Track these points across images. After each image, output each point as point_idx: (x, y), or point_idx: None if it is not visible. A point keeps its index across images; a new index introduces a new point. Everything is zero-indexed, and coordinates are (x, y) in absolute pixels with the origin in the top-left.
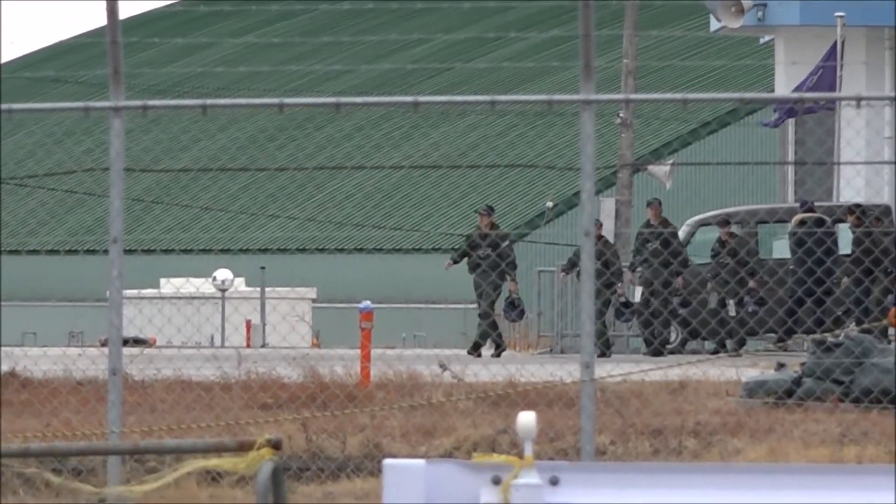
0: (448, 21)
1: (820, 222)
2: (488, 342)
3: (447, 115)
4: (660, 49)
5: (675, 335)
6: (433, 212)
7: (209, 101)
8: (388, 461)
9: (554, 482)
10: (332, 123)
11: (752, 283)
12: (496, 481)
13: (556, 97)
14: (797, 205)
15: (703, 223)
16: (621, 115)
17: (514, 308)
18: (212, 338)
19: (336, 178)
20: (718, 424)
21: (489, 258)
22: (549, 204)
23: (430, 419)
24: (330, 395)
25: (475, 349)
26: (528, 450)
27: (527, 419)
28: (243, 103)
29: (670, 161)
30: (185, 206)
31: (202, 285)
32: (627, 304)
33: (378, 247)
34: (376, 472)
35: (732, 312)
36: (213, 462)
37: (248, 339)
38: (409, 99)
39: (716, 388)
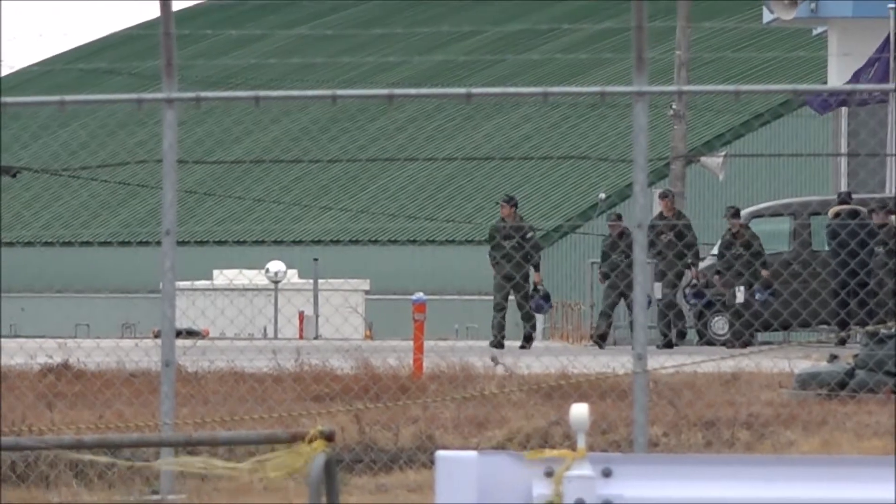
0: (501, 13)
1: (853, 214)
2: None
3: (500, 107)
4: (713, 41)
5: (727, 327)
6: (486, 203)
7: (262, 93)
8: (440, 453)
9: (606, 474)
10: (384, 115)
11: (765, 273)
12: (549, 473)
13: (609, 89)
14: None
15: (756, 215)
16: (674, 106)
17: (542, 299)
18: (265, 329)
19: (389, 169)
20: (771, 416)
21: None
22: (602, 195)
23: (482, 411)
24: (383, 387)
25: (527, 341)
26: (581, 442)
27: (579, 411)
28: (296, 95)
29: (723, 153)
30: (238, 197)
31: (255, 277)
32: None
33: (431, 238)
34: (429, 463)
35: (741, 300)
36: (266, 456)
37: (301, 330)
38: (461, 91)
39: (768, 380)
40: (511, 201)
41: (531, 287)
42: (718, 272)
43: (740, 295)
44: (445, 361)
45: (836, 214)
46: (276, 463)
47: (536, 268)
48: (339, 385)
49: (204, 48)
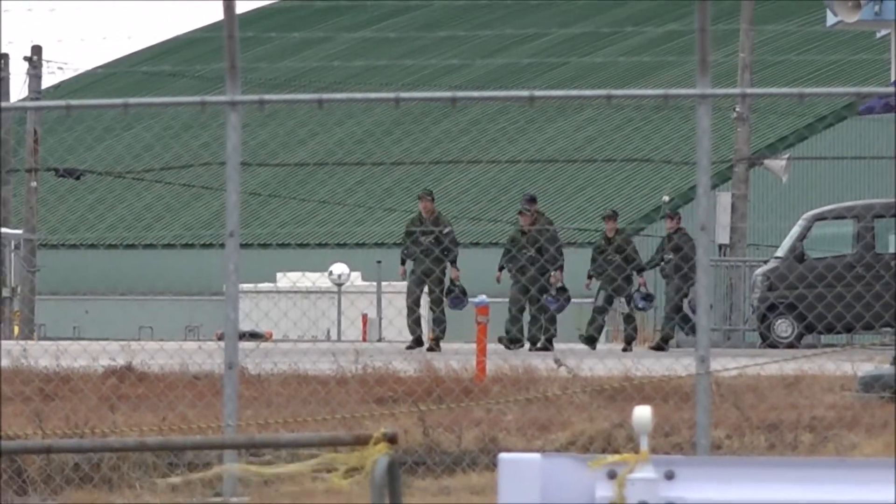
0: (564, 15)
1: None
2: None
3: (563, 110)
4: (776, 43)
5: (791, 329)
6: (549, 206)
7: (325, 96)
8: (503, 455)
9: (669, 477)
10: (448, 118)
11: (640, 281)
12: (612, 475)
13: (673, 91)
14: None
15: (819, 217)
16: (737, 109)
17: (460, 294)
18: (328, 332)
19: (452, 172)
20: (834, 419)
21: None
22: (666, 198)
23: (545, 413)
24: (446, 389)
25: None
26: (644, 444)
27: (643, 413)
28: (359, 98)
29: (786, 155)
30: (302, 200)
31: (318, 279)
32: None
33: (494, 241)
34: (492, 466)
35: (625, 310)
36: (329, 456)
37: (365, 333)
38: (525, 93)
39: (831, 383)
40: (430, 195)
41: (448, 283)
42: (590, 276)
43: (600, 299)
44: (508, 364)
45: None
46: (339, 465)
47: (454, 263)
48: (403, 387)
49: (267, 51)
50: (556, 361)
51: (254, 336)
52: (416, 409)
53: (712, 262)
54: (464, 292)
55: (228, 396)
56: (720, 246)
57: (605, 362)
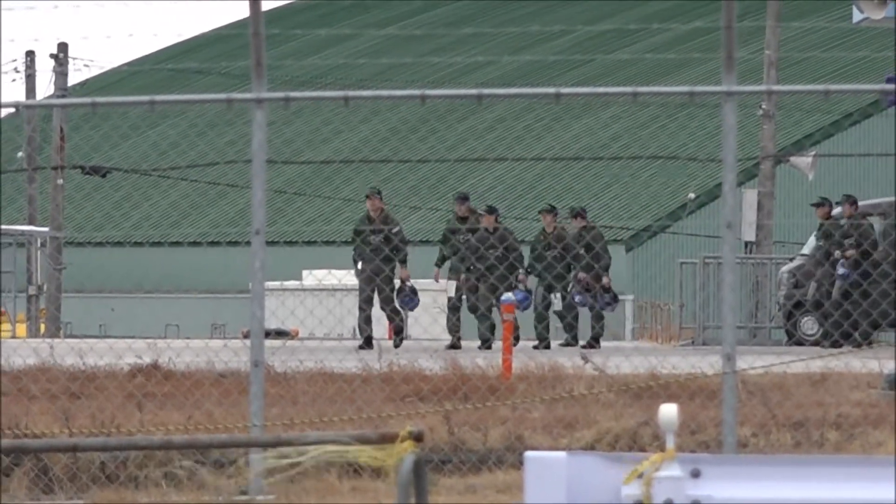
0: (590, 13)
1: None
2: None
3: (589, 107)
4: (802, 40)
5: (817, 327)
6: (574, 203)
7: (351, 93)
8: (529, 453)
9: (695, 475)
10: (474, 115)
11: (582, 276)
12: (638, 474)
13: (699, 88)
14: None
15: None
16: (763, 106)
17: (410, 293)
18: (354, 330)
19: (478, 169)
20: (860, 417)
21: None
22: (692, 195)
23: (571, 411)
24: (472, 388)
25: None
26: (670, 442)
27: (669, 411)
28: (385, 95)
29: (812, 152)
30: (327, 197)
31: (344, 277)
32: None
33: (520, 238)
34: (518, 464)
35: (558, 307)
36: (353, 449)
37: (390, 331)
38: (551, 90)
39: (857, 381)
40: (378, 193)
41: (398, 282)
42: (529, 271)
43: (557, 301)
44: (534, 362)
45: None
46: (366, 454)
47: (404, 263)
48: (429, 386)
49: (293, 48)
50: (583, 359)
51: (280, 334)
52: (442, 408)
53: (738, 259)
54: (414, 291)
55: (254, 394)
56: (746, 243)
57: (631, 360)
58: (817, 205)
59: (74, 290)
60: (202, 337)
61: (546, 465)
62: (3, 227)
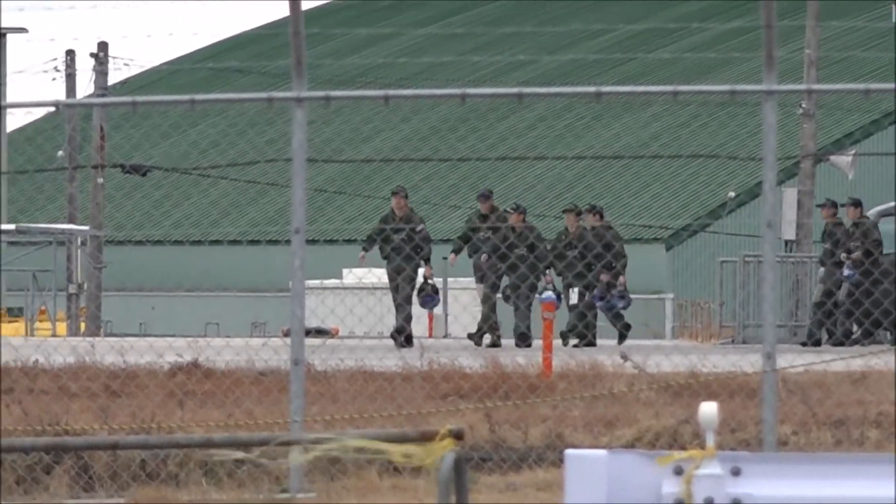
0: (630, 12)
1: None
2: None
3: (630, 106)
4: (842, 39)
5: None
6: (614, 202)
7: (391, 92)
8: (570, 452)
9: (736, 473)
10: (514, 114)
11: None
12: (678, 472)
13: (739, 87)
14: None
15: (885, 214)
16: (804, 105)
17: (432, 293)
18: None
19: (518, 168)
20: None
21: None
22: (732, 194)
23: (611, 410)
24: (512, 386)
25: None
26: (710, 440)
27: (709, 409)
28: (426, 94)
29: (852, 151)
30: (367, 196)
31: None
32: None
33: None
34: (558, 462)
35: (574, 300)
36: (395, 448)
37: (431, 329)
38: (591, 89)
39: None
40: (403, 192)
41: (422, 280)
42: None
43: (574, 295)
44: (574, 360)
45: None
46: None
47: (427, 261)
48: (469, 384)
49: (333, 47)
50: (623, 357)
51: (320, 332)
52: (483, 406)
53: (778, 258)
54: (435, 290)
55: (294, 393)
56: (786, 242)
57: (672, 358)
58: (822, 206)
59: (115, 288)
60: (242, 335)
61: (586, 464)
62: (44, 225)
